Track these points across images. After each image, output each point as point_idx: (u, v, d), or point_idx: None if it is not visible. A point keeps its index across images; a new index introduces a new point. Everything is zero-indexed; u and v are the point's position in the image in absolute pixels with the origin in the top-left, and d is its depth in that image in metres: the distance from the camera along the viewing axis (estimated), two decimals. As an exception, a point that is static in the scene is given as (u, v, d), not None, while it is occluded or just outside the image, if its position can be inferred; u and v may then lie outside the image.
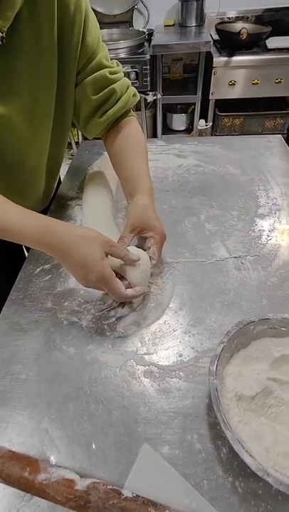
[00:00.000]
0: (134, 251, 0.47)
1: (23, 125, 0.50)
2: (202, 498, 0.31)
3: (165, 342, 0.44)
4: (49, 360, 0.43)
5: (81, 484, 0.30)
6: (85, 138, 0.73)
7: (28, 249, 0.60)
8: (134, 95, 0.62)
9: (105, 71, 0.56)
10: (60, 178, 0.81)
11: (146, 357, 0.43)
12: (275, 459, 0.31)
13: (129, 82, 0.61)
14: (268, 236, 0.58)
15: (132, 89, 0.62)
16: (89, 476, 0.32)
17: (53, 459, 0.35)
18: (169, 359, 0.42)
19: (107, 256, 0.43)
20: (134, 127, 0.62)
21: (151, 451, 0.35)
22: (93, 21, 0.52)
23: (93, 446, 0.35)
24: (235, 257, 0.55)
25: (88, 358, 0.43)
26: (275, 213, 0.63)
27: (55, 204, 0.70)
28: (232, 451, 0.34)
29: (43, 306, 0.50)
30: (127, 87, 0.60)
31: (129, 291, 0.44)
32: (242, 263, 0.54)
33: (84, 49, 0.52)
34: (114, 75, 0.57)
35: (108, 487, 0.30)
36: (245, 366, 0.39)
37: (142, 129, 2.14)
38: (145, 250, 0.49)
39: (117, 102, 0.58)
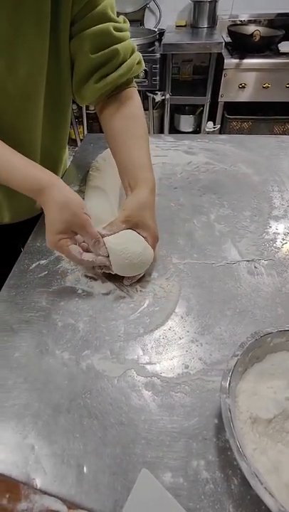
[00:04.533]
0: (130, 235, 0.46)
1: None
2: (209, 539, 0.27)
3: (170, 351, 0.40)
4: (39, 366, 0.39)
5: (68, 517, 0.26)
6: (89, 131, 0.68)
7: (23, 245, 0.55)
8: (138, 63, 0.52)
9: (109, 26, 0.46)
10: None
11: (148, 367, 0.38)
12: (296, 496, 0.26)
13: (135, 45, 0.51)
14: (284, 239, 0.54)
15: (138, 55, 0.52)
16: (77, 507, 0.28)
17: (37, 482, 0.30)
18: (174, 370, 0.38)
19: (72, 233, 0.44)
20: (136, 103, 0.54)
21: (150, 477, 0.30)
22: None
23: (84, 469, 0.31)
24: (247, 261, 0.50)
25: (83, 365, 0.39)
26: (290, 216, 0.58)
27: (56, 197, 0.66)
28: (244, 483, 0.29)
29: (36, 305, 0.45)
30: (132, 51, 0.51)
31: (86, 256, 0.44)
32: (255, 267, 0.49)
33: None
34: (120, 33, 0.48)
35: (100, 522, 0.26)
36: (260, 383, 0.34)
37: (148, 129, 2.12)
38: None
39: (119, 66, 0.49)
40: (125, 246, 0.44)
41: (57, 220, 0.42)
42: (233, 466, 0.30)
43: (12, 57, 0.43)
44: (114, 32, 0.47)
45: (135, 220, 0.46)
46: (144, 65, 0.55)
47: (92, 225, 0.43)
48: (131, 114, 0.53)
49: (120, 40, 0.48)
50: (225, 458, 0.31)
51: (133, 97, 0.54)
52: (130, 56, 0.51)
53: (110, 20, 0.47)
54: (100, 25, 0.46)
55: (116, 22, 0.48)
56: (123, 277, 0.47)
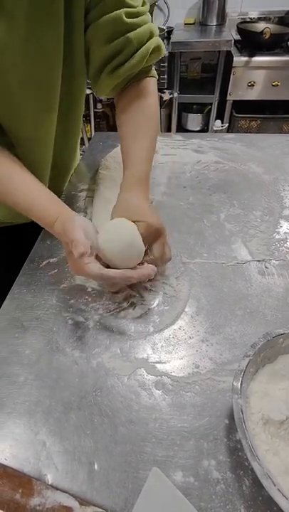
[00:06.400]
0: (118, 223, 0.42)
1: (15, 57, 0.41)
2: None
3: (180, 350, 0.40)
4: (50, 363, 0.39)
5: (80, 514, 0.26)
6: (97, 129, 0.67)
7: (33, 243, 0.56)
8: (155, 50, 0.48)
9: (121, 12, 0.43)
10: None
11: (158, 366, 0.38)
12: (309, 498, 0.26)
13: (155, 29, 0.48)
14: (295, 240, 0.53)
15: (155, 41, 0.48)
16: (89, 503, 0.28)
17: (49, 478, 0.30)
18: (184, 370, 0.38)
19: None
20: (150, 95, 0.51)
21: (161, 476, 0.30)
22: None
23: (95, 467, 0.31)
24: (258, 261, 0.50)
25: (94, 363, 0.39)
26: (302, 216, 0.58)
27: (66, 195, 0.66)
28: (256, 484, 0.29)
29: (46, 303, 0.46)
30: (149, 37, 0.47)
31: (109, 271, 0.39)
32: (266, 267, 0.49)
33: None
34: (133, 20, 0.44)
35: (112, 519, 0.26)
36: (272, 384, 0.34)
37: (156, 127, 2.10)
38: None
39: (132, 56, 0.46)
40: (116, 235, 0.41)
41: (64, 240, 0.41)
42: (244, 467, 0.30)
43: (28, 56, 0.42)
44: (127, 19, 0.44)
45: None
46: (163, 51, 0.51)
47: (81, 244, 0.38)
48: (141, 107, 0.50)
49: (134, 27, 0.45)
50: (236, 458, 0.31)
51: (148, 89, 0.51)
52: (146, 42, 0.47)
53: (124, 5, 0.44)
54: (111, 14, 0.43)
55: (130, 7, 0.45)
56: None
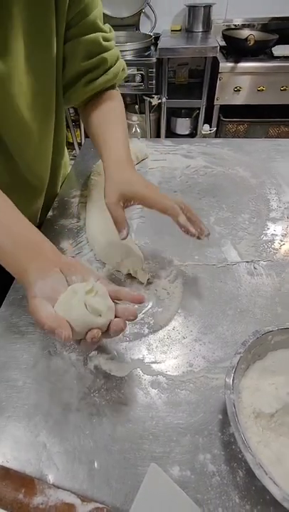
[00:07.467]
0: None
1: (21, 81, 0.45)
2: (217, 528, 0.28)
3: (174, 350, 0.41)
4: (48, 367, 0.40)
5: (83, 510, 0.27)
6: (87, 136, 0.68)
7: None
8: (123, 69, 0.59)
9: (99, 36, 0.51)
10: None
11: (153, 366, 0.40)
12: (299, 485, 0.28)
13: (119, 53, 0.57)
14: (281, 241, 0.55)
15: (122, 63, 0.58)
16: (91, 500, 0.29)
17: (50, 478, 0.31)
18: (179, 369, 0.39)
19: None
20: (116, 100, 0.58)
21: (159, 471, 0.31)
22: None
23: (95, 465, 0.32)
24: (247, 262, 0.52)
25: (91, 365, 0.40)
26: (287, 218, 0.60)
27: (58, 201, 0.67)
28: (249, 475, 0.31)
29: (42, 308, 0.46)
30: (117, 59, 0.57)
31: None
32: (255, 268, 0.51)
33: None
34: (107, 43, 0.54)
35: (113, 514, 0.27)
36: (263, 380, 0.35)
37: (146, 132, 2.12)
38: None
39: (105, 72, 0.55)
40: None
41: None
42: (237, 459, 0.32)
43: (30, 74, 0.46)
44: (103, 42, 0.53)
45: (125, 195, 0.44)
46: (127, 72, 0.61)
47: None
48: (111, 110, 0.57)
49: (108, 49, 0.54)
50: (230, 452, 0.32)
51: (115, 97, 0.59)
52: (116, 63, 0.56)
53: (100, 30, 0.52)
54: (91, 35, 0.50)
55: (104, 32, 0.53)
56: (126, 280, 0.48)
